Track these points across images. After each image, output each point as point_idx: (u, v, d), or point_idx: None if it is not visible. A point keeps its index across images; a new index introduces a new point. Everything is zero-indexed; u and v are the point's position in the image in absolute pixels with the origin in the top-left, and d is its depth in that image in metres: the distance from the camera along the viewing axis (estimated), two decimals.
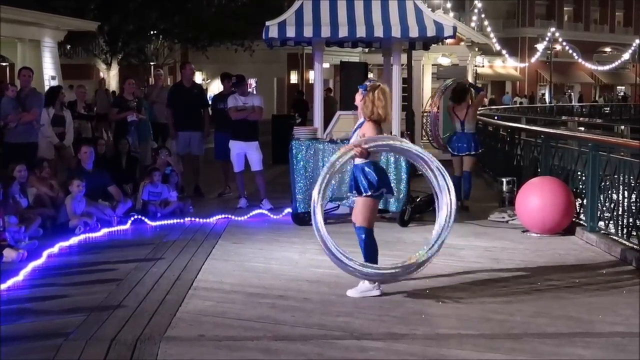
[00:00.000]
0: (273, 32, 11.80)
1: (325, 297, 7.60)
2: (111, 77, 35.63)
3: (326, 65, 36.97)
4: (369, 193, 7.70)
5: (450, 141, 13.55)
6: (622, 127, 39.86)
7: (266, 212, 12.40)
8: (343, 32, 11.75)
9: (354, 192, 7.84)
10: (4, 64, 41.61)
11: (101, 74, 38.10)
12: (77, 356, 5.86)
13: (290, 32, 11.80)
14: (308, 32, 11.76)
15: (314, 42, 12.33)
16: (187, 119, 14.40)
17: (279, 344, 6.20)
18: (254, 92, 13.52)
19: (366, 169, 7.72)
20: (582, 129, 38.58)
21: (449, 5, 49.48)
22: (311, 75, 12.57)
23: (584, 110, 59.28)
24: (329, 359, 5.89)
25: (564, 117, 47.47)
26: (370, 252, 7.79)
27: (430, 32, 11.74)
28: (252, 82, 41.92)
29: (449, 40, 16.12)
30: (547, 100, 69.02)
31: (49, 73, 28.91)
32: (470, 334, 6.49)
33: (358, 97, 7.91)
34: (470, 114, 13.34)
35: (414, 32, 11.73)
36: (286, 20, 11.84)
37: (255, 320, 6.82)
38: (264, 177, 13.41)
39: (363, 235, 7.80)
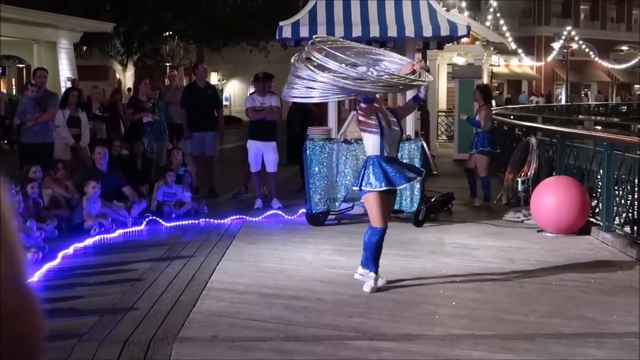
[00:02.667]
0: (287, 32, 11.82)
1: (338, 298, 7.59)
2: (127, 77, 35.78)
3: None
4: (358, 188, 7.82)
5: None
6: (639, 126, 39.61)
7: (279, 212, 12.40)
8: (357, 31, 11.75)
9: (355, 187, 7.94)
10: (20, 65, 41.81)
11: (117, 75, 38.25)
12: (90, 357, 5.88)
13: (304, 32, 11.81)
14: (322, 31, 11.76)
15: None
16: (200, 119, 14.43)
17: (291, 344, 6.21)
18: (273, 92, 13.49)
19: (370, 163, 7.79)
20: (599, 128, 38.43)
21: (464, 4, 49.34)
22: None
23: (600, 109, 58.99)
24: None
25: (580, 117, 47.24)
26: (368, 251, 7.87)
27: (444, 31, 11.73)
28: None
29: (463, 40, 16.06)
30: (563, 99, 68.78)
31: (65, 74, 29.08)
32: (483, 334, 6.47)
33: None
34: (482, 114, 13.39)
35: (427, 32, 11.73)
36: (300, 20, 11.86)
37: (268, 320, 6.82)
38: (277, 179, 13.43)
39: (369, 233, 7.86)
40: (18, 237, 1.39)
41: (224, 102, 45.81)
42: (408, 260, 9.13)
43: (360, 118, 7.85)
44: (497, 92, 63.88)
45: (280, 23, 11.91)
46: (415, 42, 12.66)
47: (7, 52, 35.40)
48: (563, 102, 65.64)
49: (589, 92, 74.39)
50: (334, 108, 12.52)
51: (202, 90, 14.76)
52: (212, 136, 14.63)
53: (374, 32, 11.79)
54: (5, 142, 24.56)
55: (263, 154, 13.17)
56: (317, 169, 11.59)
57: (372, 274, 7.82)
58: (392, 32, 11.75)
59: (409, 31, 11.72)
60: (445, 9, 26.60)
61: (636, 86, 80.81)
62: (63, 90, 25.86)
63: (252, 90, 13.85)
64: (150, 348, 6.07)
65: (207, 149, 14.65)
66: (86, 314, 7.05)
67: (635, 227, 9.97)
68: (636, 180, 10.09)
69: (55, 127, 13.15)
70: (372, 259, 7.84)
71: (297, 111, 15.26)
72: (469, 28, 12.11)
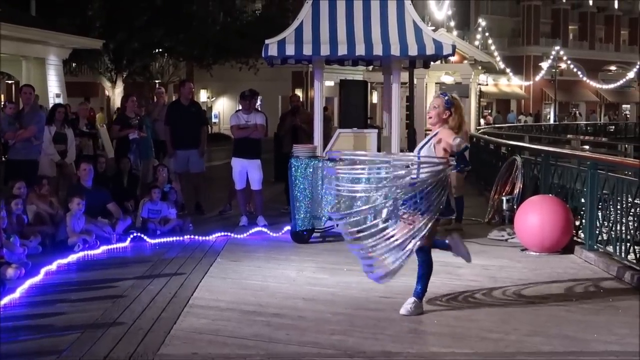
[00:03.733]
0: (272, 50, 11.86)
1: (320, 315, 7.58)
2: (116, 94, 35.76)
3: (330, 83, 37.11)
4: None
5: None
6: (626, 145, 39.84)
7: (264, 229, 12.40)
8: (342, 50, 11.79)
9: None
10: (9, 81, 41.76)
11: (106, 92, 38.25)
12: None
13: (290, 51, 11.86)
14: (307, 50, 11.82)
15: (314, 60, 12.38)
16: (185, 137, 14.40)
17: None
18: (259, 110, 13.52)
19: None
20: (587, 147, 38.59)
21: (452, 23, 49.56)
22: (315, 93, 12.60)
23: (588, 128, 59.24)
24: None
25: (568, 136, 47.44)
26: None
27: (430, 50, 11.79)
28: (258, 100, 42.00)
29: (452, 59, 16.15)
30: (552, 119, 69.06)
31: (54, 91, 29.02)
32: (464, 352, 6.48)
33: (438, 112, 7.76)
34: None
35: (413, 51, 11.78)
36: (286, 38, 11.90)
37: (249, 338, 6.81)
38: (262, 197, 13.44)
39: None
40: None
41: (213, 120, 45.93)
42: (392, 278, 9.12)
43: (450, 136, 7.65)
44: (487, 111, 64.12)
45: (267, 41, 11.95)
46: (400, 61, 12.71)
47: None
48: (552, 121, 65.92)
49: (577, 112, 74.67)
50: (320, 125, 12.54)
51: (186, 107, 14.72)
52: (197, 154, 14.60)
53: (360, 50, 11.83)
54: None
55: (247, 172, 13.18)
56: (302, 186, 11.59)
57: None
58: (378, 50, 11.79)
59: (395, 50, 11.77)
60: (433, 28, 26.76)
61: (624, 106, 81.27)
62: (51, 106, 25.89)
63: (239, 107, 13.86)
64: None
65: (192, 166, 14.61)
66: (67, 330, 7.02)
67: (618, 247, 9.99)
68: (619, 200, 10.12)
69: (38, 143, 13.09)
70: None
71: (286, 129, 15.26)
72: (454, 47, 12.17)
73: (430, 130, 8.05)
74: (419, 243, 7.45)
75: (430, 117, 7.82)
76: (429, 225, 7.39)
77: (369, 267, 7.72)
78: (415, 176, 7.39)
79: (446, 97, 7.77)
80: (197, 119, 14.80)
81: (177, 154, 14.50)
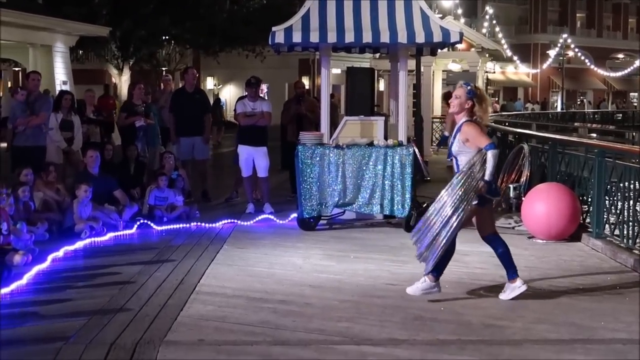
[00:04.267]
0: (279, 38, 11.82)
1: (327, 302, 7.59)
2: (123, 82, 35.72)
3: (337, 70, 37.04)
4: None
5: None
6: (634, 133, 39.70)
7: (271, 216, 12.41)
8: (349, 37, 11.75)
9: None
10: (16, 69, 41.83)
11: (113, 79, 38.26)
12: (76, 359, 5.87)
13: (297, 38, 11.82)
14: (314, 37, 11.78)
15: (321, 48, 12.35)
16: (189, 124, 14.41)
17: (278, 349, 6.20)
18: (265, 98, 13.49)
19: None
20: (594, 135, 38.47)
21: (460, 11, 49.45)
22: (321, 80, 12.55)
23: (596, 116, 59.05)
24: None
25: (575, 124, 47.27)
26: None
27: (437, 37, 11.74)
28: (263, 87, 41.93)
29: (459, 46, 16.07)
30: (559, 107, 68.89)
31: (61, 78, 29.04)
32: (470, 339, 6.48)
33: (460, 102, 7.74)
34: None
35: (420, 38, 11.73)
36: (292, 25, 11.86)
37: (255, 325, 6.81)
38: (268, 184, 13.45)
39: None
40: None
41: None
42: (397, 266, 9.13)
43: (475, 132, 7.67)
44: (494, 98, 63.97)
45: (273, 28, 11.91)
46: (407, 49, 12.67)
47: (3, 56, 35.35)
48: (559, 109, 65.75)
49: (585, 100, 74.51)
50: (327, 113, 12.51)
51: (191, 95, 14.73)
52: (201, 141, 14.61)
53: (367, 38, 11.78)
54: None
55: (254, 159, 13.18)
56: (309, 173, 11.59)
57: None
58: (385, 38, 11.75)
59: (402, 37, 11.72)
60: (440, 15, 26.66)
61: (632, 94, 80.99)
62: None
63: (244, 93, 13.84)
64: (136, 351, 6.07)
65: (197, 153, 14.62)
66: (73, 316, 7.04)
67: (625, 234, 9.98)
68: (626, 188, 10.09)
69: (48, 130, 13.15)
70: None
71: (290, 117, 15.22)
72: (461, 34, 12.11)
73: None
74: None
75: (453, 107, 7.78)
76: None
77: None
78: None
79: (469, 87, 7.74)
80: (201, 106, 14.80)
81: (181, 141, 14.51)
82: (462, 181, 7.54)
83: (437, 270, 7.74)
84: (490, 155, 7.48)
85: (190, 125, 14.42)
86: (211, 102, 28.59)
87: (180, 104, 14.61)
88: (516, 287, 7.77)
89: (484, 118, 7.79)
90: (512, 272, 7.85)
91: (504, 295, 7.76)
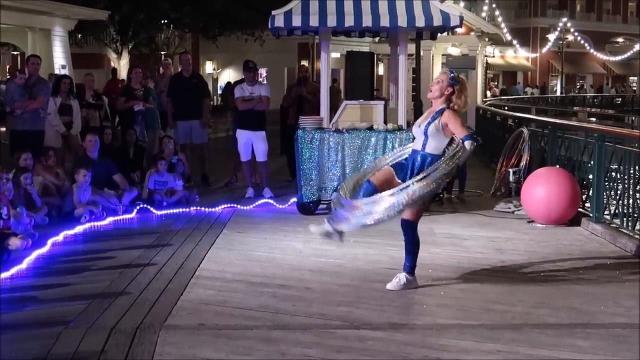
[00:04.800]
0: (279, 22, 11.78)
1: (327, 287, 7.60)
2: (122, 66, 35.66)
3: (336, 55, 36.96)
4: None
5: None
6: (633, 118, 39.72)
7: (270, 201, 12.41)
8: (349, 21, 11.71)
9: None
10: (14, 52, 41.74)
11: (111, 64, 38.17)
12: (76, 344, 5.86)
13: (297, 22, 11.78)
14: (314, 21, 11.74)
15: (320, 32, 12.31)
16: (186, 109, 14.44)
17: (278, 333, 6.20)
18: (264, 82, 13.49)
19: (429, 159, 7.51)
20: (593, 119, 38.46)
21: None
22: (321, 64, 12.53)
23: (595, 100, 59.02)
24: (327, 348, 5.88)
25: (575, 108, 47.28)
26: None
27: (437, 21, 11.71)
28: (262, 71, 41.85)
29: (458, 30, 16.01)
30: (558, 91, 68.83)
31: (60, 62, 28.98)
32: (470, 324, 6.48)
33: (440, 87, 7.64)
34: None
35: (420, 22, 11.70)
36: (292, 9, 11.82)
37: (255, 309, 6.82)
38: (267, 168, 13.46)
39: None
40: None
41: (219, 92, 45.79)
42: (397, 250, 9.06)
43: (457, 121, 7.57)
44: (494, 82, 63.89)
45: (273, 12, 11.87)
46: (407, 33, 12.63)
47: (2, 40, 35.30)
48: (558, 93, 65.68)
49: (584, 84, 74.42)
50: (326, 97, 12.48)
51: (188, 79, 14.77)
52: (199, 124, 14.62)
53: (367, 22, 11.74)
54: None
55: (252, 144, 13.17)
56: (308, 158, 11.58)
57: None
58: (385, 22, 11.71)
59: (402, 21, 11.69)
60: None
61: (631, 78, 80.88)
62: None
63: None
64: (137, 336, 6.06)
65: (195, 137, 14.64)
66: (74, 300, 7.04)
67: (625, 219, 9.98)
68: (626, 172, 10.09)
69: (46, 115, 13.14)
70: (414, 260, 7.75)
71: (292, 100, 15.18)
72: (461, 18, 12.08)
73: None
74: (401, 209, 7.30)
75: (431, 90, 7.73)
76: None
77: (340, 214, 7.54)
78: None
79: (452, 74, 7.69)
80: (198, 91, 14.79)
81: (179, 125, 14.52)
82: (446, 166, 7.42)
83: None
84: (467, 145, 7.44)
85: (188, 109, 14.45)
86: (215, 87, 28.53)
87: (177, 89, 14.64)
88: (409, 281, 7.65)
89: (461, 109, 7.72)
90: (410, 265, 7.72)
91: (390, 285, 7.56)
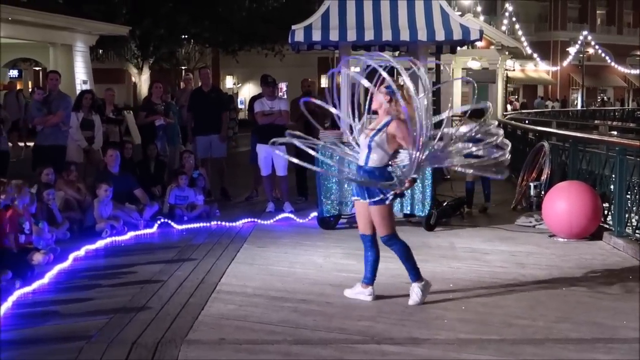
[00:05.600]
0: (299, 36, 11.83)
1: (347, 301, 7.59)
2: (142, 81, 35.86)
3: (357, 69, 37.02)
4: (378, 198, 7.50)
5: None
6: None
7: (291, 215, 12.41)
8: (369, 35, 11.74)
9: (365, 198, 7.57)
10: (36, 68, 42.01)
11: (132, 79, 38.38)
12: (98, 358, 5.89)
13: (316, 36, 11.83)
14: (334, 35, 11.78)
15: (340, 46, 12.35)
16: (206, 123, 14.48)
17: (299, 348, 6.20)
18: (284, 96, 13.53)
19: (377, 173, 7.57)
20: (615, 133, 38.29)
21: (479, 8, 49.30)
22: (341, 79, 12.54)
23: (616, 114, 58.75)
24: None
25: (596, 121, 47.09)
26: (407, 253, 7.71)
27: (457, 35, 11.72)
28: (282, 86, 41.96)
29: (478, 44, 16.06)
30: (579, 104, 68.58)
31: (81, 77, 29.18)
32: (491, 339, 6.46)
33: (382, 98, 7.72)
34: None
35: (440, 36, 11.72)
36: (312, 24, 11.86)
37: (276, 324, 6.82)
38: (287, 182, 13.44)
39: (393, 243, 7.67)
40: None
41: (239, 106, 45.93)
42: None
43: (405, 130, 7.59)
44: (514, 96, 63.74)
45: (293, 27, 11.92)
46: (427, 46, 12.64)
47: (24, 55, 35.58)
48: (579, 107, 65.42)
49: (605, 97, 74.10)
50: (347, 111, 12.46)
51: (207, 94, 14.81)
52: (218, 139, 14.65)
53: (387, 36, 11.78)
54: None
55: (272, 158, 13.18)
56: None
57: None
58: (405, 36, 11.74)
59: (422, 35, 11.71)
60: (460, 13, 26.61)
61: None
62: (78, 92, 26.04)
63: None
64: (158, 350, 6.08)
65: (215, 151, 14.67)
66: (95, 315, 7.06)
67: None
68: None
69: (66, 128, 13.21)
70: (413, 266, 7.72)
71: (298, 115, 15.12)
72: (481, 32, 12.08)
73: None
74: None
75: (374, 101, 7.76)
76: None
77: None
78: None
79: (389, 84, 7.61)
80: (217, 105, 14.82)
81: (198, 139, 14.56)
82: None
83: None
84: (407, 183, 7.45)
85: (207, 123, 14.49)
86: (235, 101, 28.48)
87: (197, 103, 14.70)
88: (364, 293, 7.68)
89: (412, 116, 7.58)
90: (369, 278, 7.74)
91: (411, 301, 7.54)
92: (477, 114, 13.16)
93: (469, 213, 12.97)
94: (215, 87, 15.42)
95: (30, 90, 43.77)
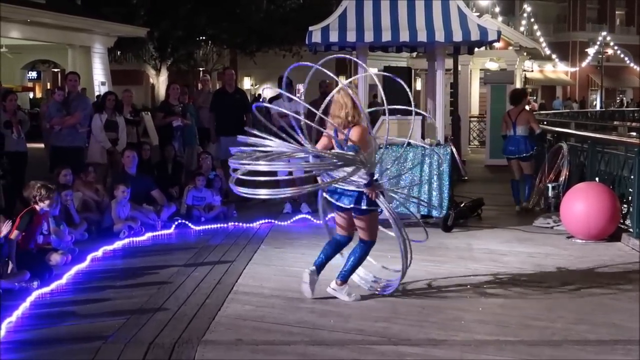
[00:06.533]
0: (316, 37, 11.82)
1: (364, 303, 7.58)
2: (160, 82, 35.96)
3: (374, 70, 37.01)
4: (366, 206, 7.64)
5: (504, 145, 13.64)
6: None
7: (308, 216, 12.40)
8: (386, 36, 11.72)
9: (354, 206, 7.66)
10: (55, 70, 42.20)
11: (150, 80, 38.49)
12: (115, 359, 5.90)
13: (334, 37, 11.81)
14: (351, 37, 11.76)
15: (358, 47, 12.33)
16: (229, 124, 14.46)
17: (315, 348, 6.20)
18: (302, 97, 13.50)
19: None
20: (634, 134, 38.04)
21: (497, 9, 49.18)
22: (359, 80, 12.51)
23: (635, 115, 58.41)
24: None
25: (615, 123, 46.79)
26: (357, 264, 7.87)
27: (474, 36, 11.68)
28: (300, 87, 41.99)
29: (496, 45, 16.00)
30: (598, 105, 68.29)
31: (99, 79, 29.31)
32: (509, 340, 6.43)
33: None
34: (522, 117, 13.37)
35: (457, 37, 11.67)
36: (329, 25, 11.85)
37: (293, 324, 6.82)
38: (304, 183, 13.38)
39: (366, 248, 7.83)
40: None
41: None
42: (435, 265, 9.09)
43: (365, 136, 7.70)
44: (532, 97, 63.50)
45: (310, 28, 11.91)
46: (445, 47, 12.60)
47: (43, 57, 35.79)
48: (598, 107, 65.15)
49: (624, 98, 73.77)
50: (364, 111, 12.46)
51: (231, 95, 14.81)
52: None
53: (404, 37, 11.75)
54: None
55: (290, 159, 13.15)
56: None
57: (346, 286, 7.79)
58: (422, 37, 11.71)
59: (439, 36, 11.67)
60: (478, 14, 26.56)
61: None
62: (96, 94, 26.18)
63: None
64: (175, 350, 6.09)
65: None
66: (112, 316, 7.07)
67: None
68: None
69: (84, 130, 13.25)
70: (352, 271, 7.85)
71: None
72: (499, 33, 12.04)
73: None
74: None
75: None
76: None
77: None
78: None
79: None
80: (241, 106, 14.83)
81: (221, 140, 14.56)
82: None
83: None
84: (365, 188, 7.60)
85: (230, 124, 14.48)
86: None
87: (221, 104, 14.70)
88: (342, 290, 7.73)
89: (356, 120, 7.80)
90: (345, 275, 7.80)
91: (330, 289, 7.75)
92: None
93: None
94: (238, 88, 15.40)
95: (46, 91, 44.02)
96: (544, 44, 50.98)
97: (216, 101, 14.90)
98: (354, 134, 7.61)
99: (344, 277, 7.77)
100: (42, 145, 14.97)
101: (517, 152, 13.41)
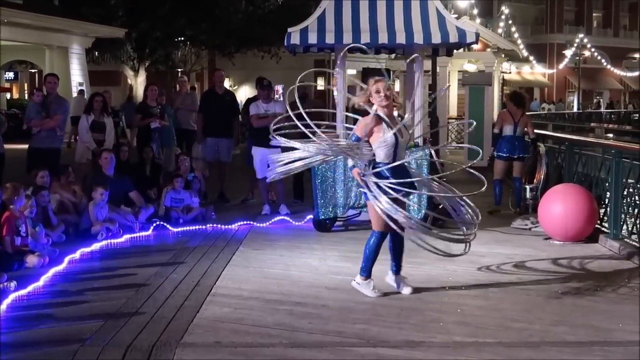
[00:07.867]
0: (295, 39, 11.79)
1: (343, 304, 7.57)
2: (138, 83, 35.82)
3: (352, 71, 37.02)
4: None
5: (499, 144, 13.55)
6: None
7: (287, 218, 12.39)
8: (365, 38, 11.71)
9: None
10: (32, 70, 42.00)
11: (128, 81, 38.37)
12: None
13: (312, 39, 11.79)
14: (330, 38, 11.75)
15: (336, 49, 12.31)
16: (216, 125, 14.45)
17: (294, 351, 6.19)
18: (280, 99, 13.51)
19: (385, 172, 7.73)
20: (611, 135, 38.30)
21: (475, 11, 49.33)
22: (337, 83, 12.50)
23: (612, 117, 58.78)
24: None
25: (592, 124, 47.09)
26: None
27: (453, 38, 11.70)
28: (279, 88, 41.95)
29: (474, 47, 15.99)
30: (575, 107, 68.66)
31: (77, 79, 29.18)
32: (487, 342, 6.44)
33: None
34: (523, 120, 13.34)
35: (436, 39, 11.69)
36: (308, 26, 11.83)
37: (272, 327, 6.80)
38: (283, 185, 13.38)
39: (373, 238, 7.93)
40: None
41: None
42: (413, 267, 9.08)
43: (372, 127, 7.86)
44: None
45: (289, 29, 11.89)
46: (423, 49, 12.62)
47: (20, 57, 35.59)
48: (575, 109, 65.50)
49: (601, 100, 74.20)
50: (342, 114, 12.47)
51: (221, 96, 14.80)
52: (227, 143, 14.63)
53: (383, 39, 11.75)
54: None
55: (268, 161, 13.15)
56: (324, 175, 11.55)
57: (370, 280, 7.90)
58: (401, 39, 11.71)
59: (418, 38, 11.68)
60: (456, 15, 26.61)
61: None
62: (74, 95, 26.07)
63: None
64: (153, 353, 6.06)
65: (222, 155, 14.68)
66: (90, 318, 7.04)
67: None
68: None
69: (62, 134, 13.22)
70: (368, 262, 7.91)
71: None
72: (477, 35, 12.06)
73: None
74: None
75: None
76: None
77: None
78: None
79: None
80: (230, 108, 14.83)
81: (208, 141, 14.54)
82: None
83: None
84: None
85: (218, 126, 14.47)
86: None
87: (209, 105, 14.70)
88: (367, 285, 7.92)
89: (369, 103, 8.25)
90: (363, 268, 7.96)
91: (354, 282, 7.97)
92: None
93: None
94: (228, 90, 15.37)
95: (26, 92, 43.80)
96: (521, 46, 51.24)
97: (205, 102, 14.91)
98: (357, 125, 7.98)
99: (363, 271, 7.89)
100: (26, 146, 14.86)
101: (514, 151, 13.32)
